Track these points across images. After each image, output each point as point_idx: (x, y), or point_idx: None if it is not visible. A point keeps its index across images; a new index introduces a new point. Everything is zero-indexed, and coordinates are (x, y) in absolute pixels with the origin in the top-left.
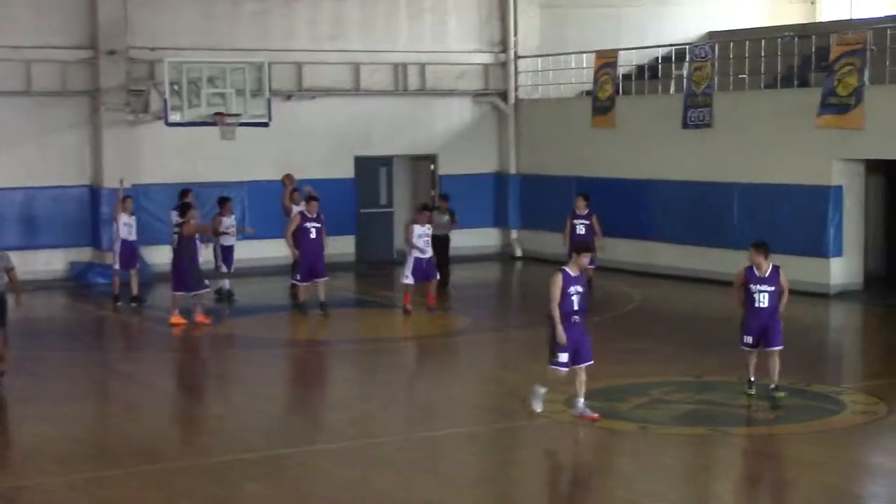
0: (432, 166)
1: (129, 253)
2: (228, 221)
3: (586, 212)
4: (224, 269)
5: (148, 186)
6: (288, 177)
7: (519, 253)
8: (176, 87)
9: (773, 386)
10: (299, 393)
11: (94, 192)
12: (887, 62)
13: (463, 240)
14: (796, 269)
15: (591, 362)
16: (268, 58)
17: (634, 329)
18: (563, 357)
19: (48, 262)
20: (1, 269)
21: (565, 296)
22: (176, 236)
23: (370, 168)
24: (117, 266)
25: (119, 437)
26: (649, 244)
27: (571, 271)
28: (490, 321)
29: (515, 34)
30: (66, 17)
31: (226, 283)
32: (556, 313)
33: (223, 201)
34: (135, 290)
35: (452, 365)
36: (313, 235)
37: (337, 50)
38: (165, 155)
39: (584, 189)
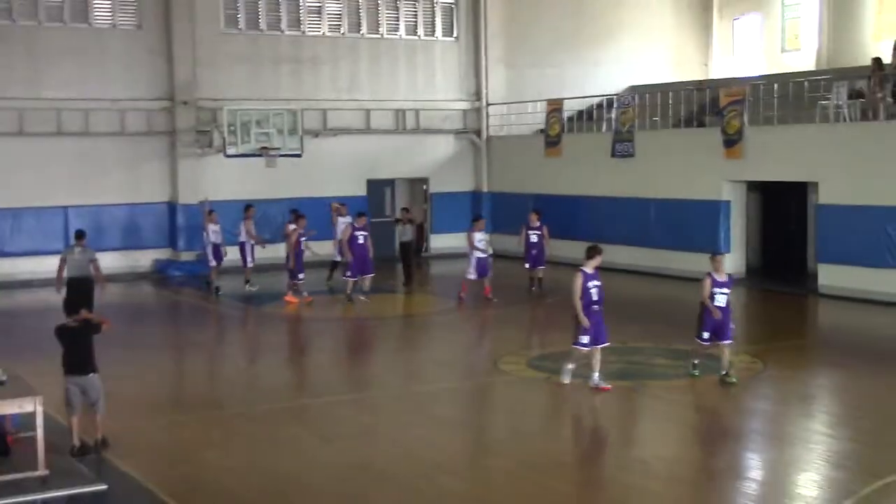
0: (425, 186)
1: (218, 252)
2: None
3: (538, 224)
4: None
5: (211, 202)
6: (340, 206)
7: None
8: (232, 128)
9: (724, 373)
10: (329, 357)
11: (172, 206)
12: (760, 109)
13: (449, 241)
14: (697, 262)
15: (607, 343)
16: (300, 105)
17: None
18: (585, 339)
19: (138, 260)
20: (87, 261)
21: (585, 290)
22: (293, 238)
23: (378, 188)
24: (213, 263)
25: (191, 391)
26: (588, 244)
27: (588, 269)
28: (472, 302)
29: (487, 87)
30: (151, 76)
31: (249, 283)
32: (579, 304)
33: (297, 216)
34: (215, 281)
35: (441, 335)
36: (361, 241)
37: (352, 99)
38: (224, 179)
39: (539, 205)
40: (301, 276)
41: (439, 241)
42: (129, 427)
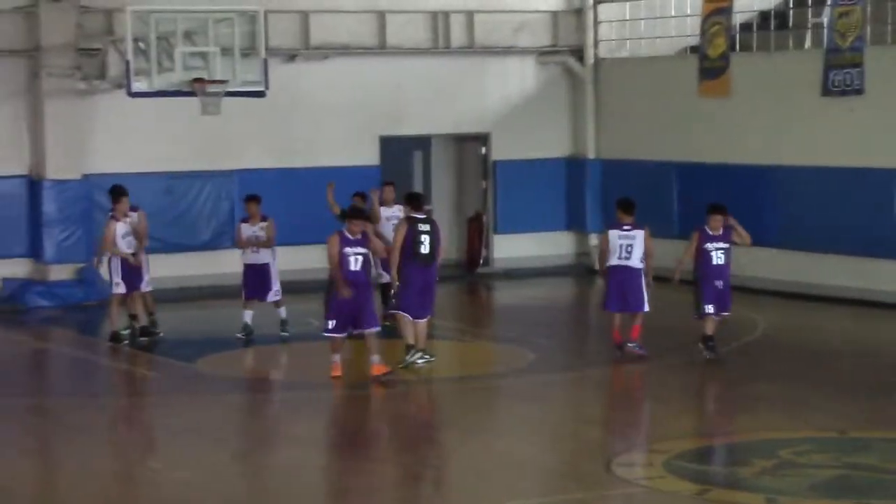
0: (483, 149)
1: (127, 268)
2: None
3: (721, 232)
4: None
5: (103, 178)
6: (386, 187)
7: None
8: (142, 46)
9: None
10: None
11: (34, 185)
12: None
13: (524, 248)
14: None
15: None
16: (264, 6)
17: (758, 366)
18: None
19: None
20: None
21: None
22: (360, 257)
23: (400, 152)
24: (119, 288)
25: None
26: (776, 253)
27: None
28: (560, 356)
29: None
30: None
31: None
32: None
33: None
34: (139, 313)
35: (516, 414)
36: (424, 250)
37: None
38: (127, 135)
39: (691, 178)
40: (331, 324)
41: (509, 248)
42: None
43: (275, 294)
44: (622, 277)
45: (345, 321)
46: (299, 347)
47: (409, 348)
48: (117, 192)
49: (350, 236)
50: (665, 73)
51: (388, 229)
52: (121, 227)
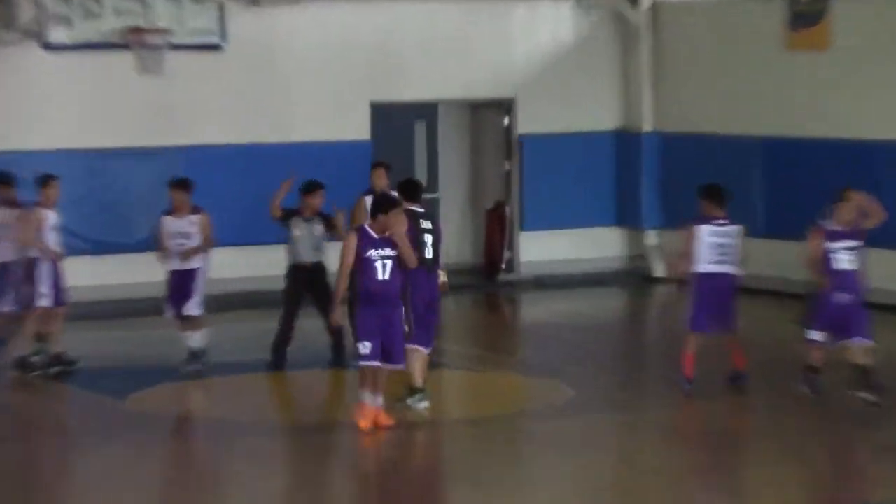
0: (506, 119)
1: (55, 276)
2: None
3: (850, 224)
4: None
5: (7, 157)
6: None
7: (661, 271)
8: None
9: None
10: None
11: None
12: None
13: (559, 249)
14: None
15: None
16: None
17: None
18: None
19: None
20: None
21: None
22: (387, 262)
23: (398, 123)
24: (46, 300)
25: None
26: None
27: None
28: (607, 392)
29: None
30: None
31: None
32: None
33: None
34: (55, 334)
35: (550, 466)
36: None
37: None
38: (42, 102)
39: (779, 158)
40: (366, 348)
41: (539, 249)
42: None
43: (194, 306)
44: (716, 288)
45: (378, 345)
46: (251, 380)
47: (413, 391)
48: (46, 179)
49: (375, 234)
50: (744, 19)
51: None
52: (51, 217)
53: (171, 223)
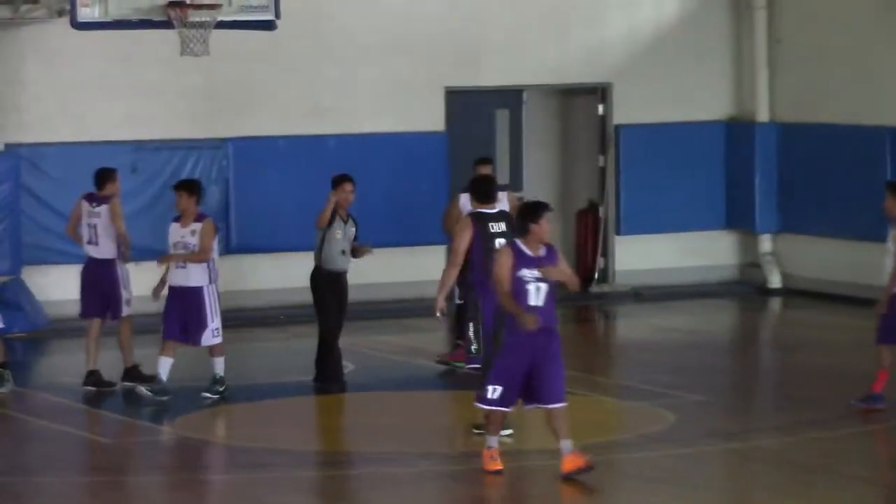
0: (601, 109)
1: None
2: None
3: None
4: None
5: (36, 149)
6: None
7: (777, 281)
8: None
9: None
10: None
11: None
12: None
13: (662, 256)
14: None
15: None
16: None
17: None
18: None
19: None
20: None
21: None
22: (542, 284)
23: (477, 112)
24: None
25: None
26: None
27: None
28: (716, 418)
29: None
30: None
31: None
32: None
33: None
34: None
35: (650, 502)
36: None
37: None
38: (71, 88)
39: None
40: (493, 391)
41: (638, 256)
42: None
43: (210, 336)
44: None
45: (516, 389)
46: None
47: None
48: (111, 173)
49: (529, 251)
50: None
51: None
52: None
53: (175, 231)
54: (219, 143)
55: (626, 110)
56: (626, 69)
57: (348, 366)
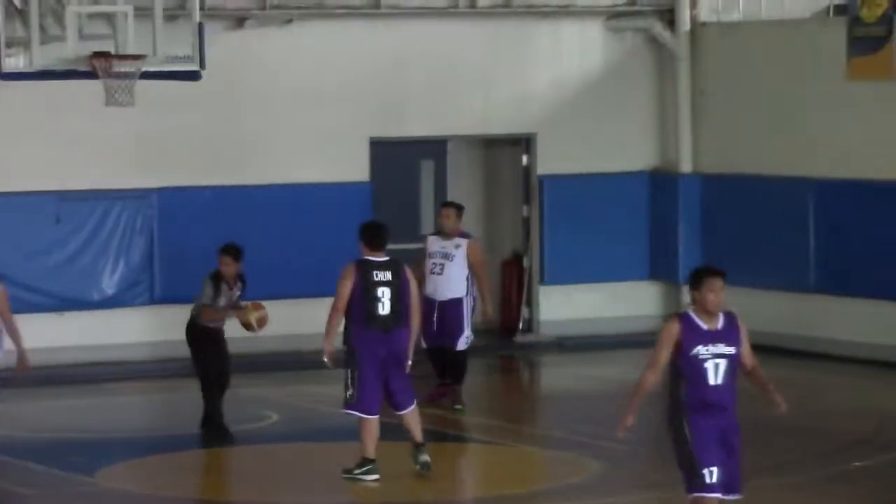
0: (525, 159)
1: None
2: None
3: None
4: None
5: None
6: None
7: None
8: (17, 4)
9: None
10: None
11: None
12: None
13: (586, 306)
14: None
15: None
16: None
17: None
18: None
19: None
20: None
21: None
22: (720, 361)
23: (402, 162)
24: None
25: None
26: None
27: None
28: (640, 467)
29: None
30: None
31: None
32: None
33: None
34: None
35: None
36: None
37: None
38: None
39: (838, 204)
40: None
41: (562, 306)
42: None
43: None
44: None
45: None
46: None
47: (364, 462)
48: None
49: (703, 323)
50: (797, 44)
51: (453, 270)
52: None
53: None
54: (143, 193)
55: (551, 161)
56: (550, 120)
57: (272, 416)
